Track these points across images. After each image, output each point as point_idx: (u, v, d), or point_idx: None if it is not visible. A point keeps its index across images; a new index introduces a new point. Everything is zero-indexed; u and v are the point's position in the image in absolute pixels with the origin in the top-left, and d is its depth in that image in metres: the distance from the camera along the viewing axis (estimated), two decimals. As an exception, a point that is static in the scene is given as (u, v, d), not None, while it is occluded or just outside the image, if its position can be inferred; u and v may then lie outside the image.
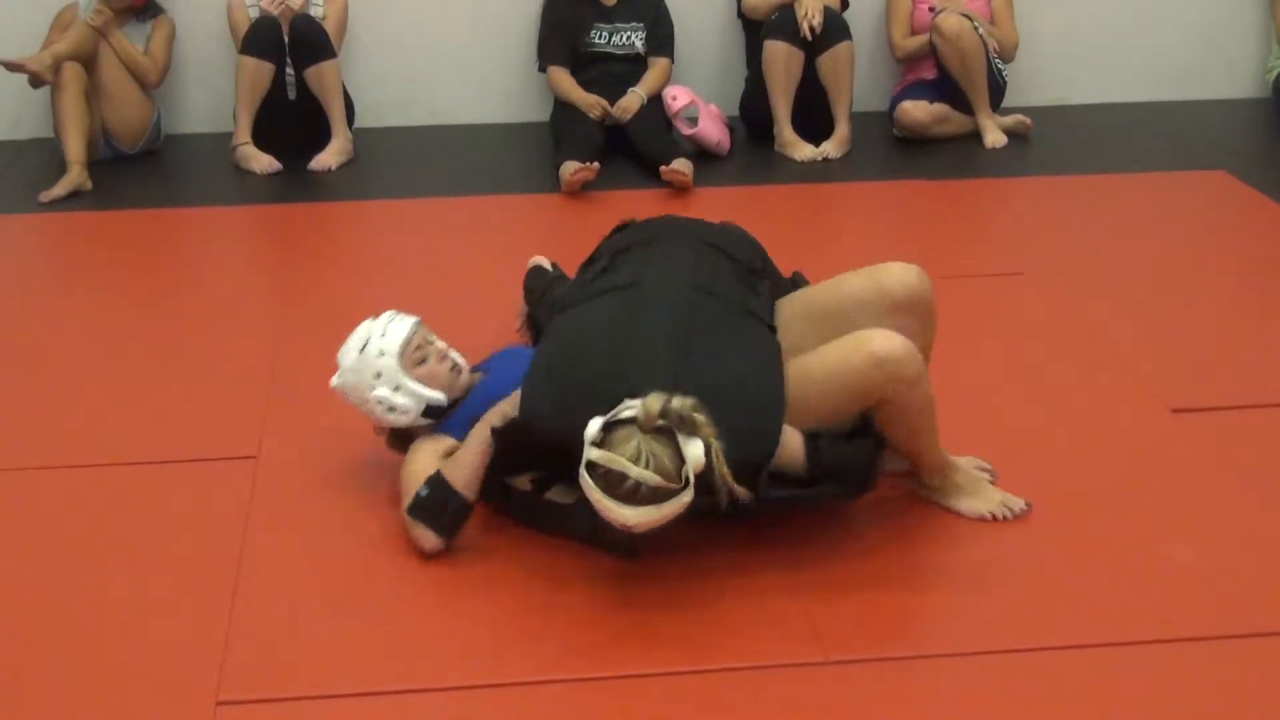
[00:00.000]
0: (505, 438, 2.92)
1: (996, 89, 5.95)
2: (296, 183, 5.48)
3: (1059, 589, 2.89)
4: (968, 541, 3.05)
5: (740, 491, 2.69)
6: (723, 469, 2.66)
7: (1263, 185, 5.29)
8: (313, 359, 3.50)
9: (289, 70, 5.65)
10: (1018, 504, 3.13)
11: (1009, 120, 5.96)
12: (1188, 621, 2.79)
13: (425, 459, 3.06)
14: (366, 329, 3.16)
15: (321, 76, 5.61)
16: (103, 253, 4.91)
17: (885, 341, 2.90)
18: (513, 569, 2.96)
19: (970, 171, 5.60)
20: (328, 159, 5.61)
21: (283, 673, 2.66)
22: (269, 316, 4.19)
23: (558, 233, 4.94)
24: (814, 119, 5.78)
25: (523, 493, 3.02)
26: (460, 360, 3.21)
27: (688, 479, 2.65)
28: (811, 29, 5.61)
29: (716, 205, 5.25)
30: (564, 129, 5.66)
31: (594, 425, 2.68)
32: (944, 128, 5.89)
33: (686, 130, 5.64)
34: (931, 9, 5.88)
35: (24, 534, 3.14)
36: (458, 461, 2.98)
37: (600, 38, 5.82)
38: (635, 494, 2.63)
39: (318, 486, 3.26)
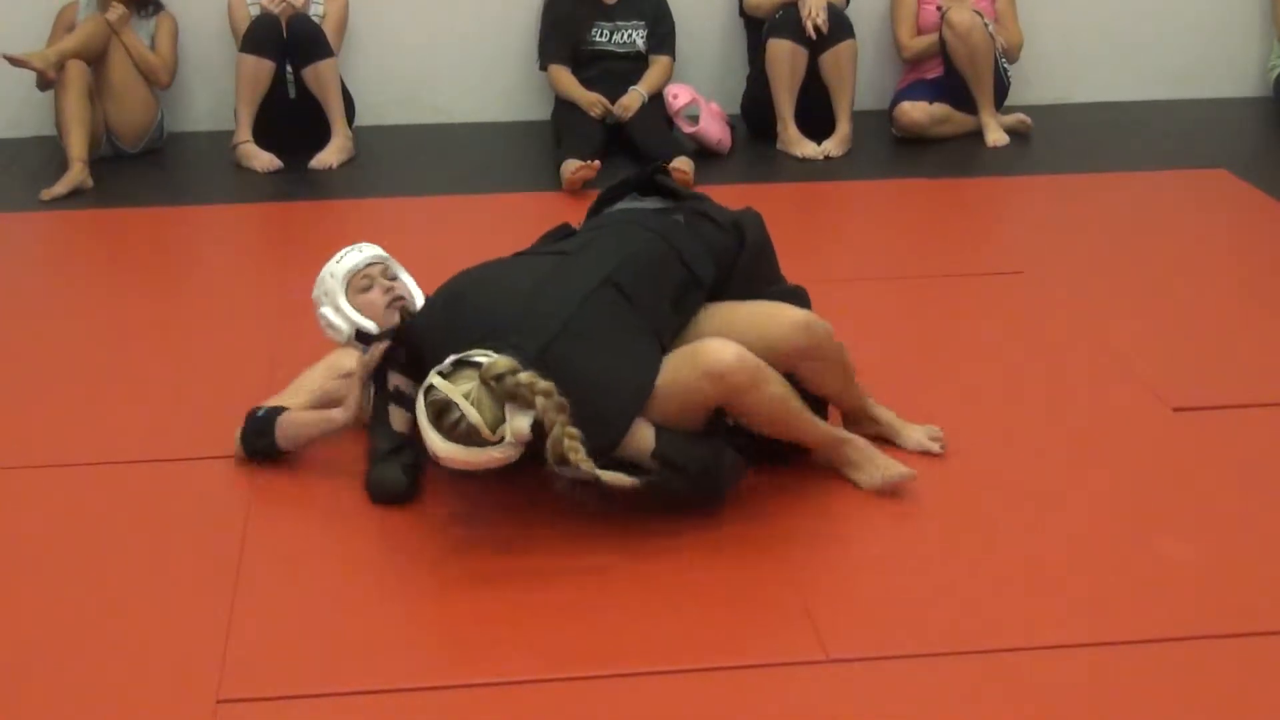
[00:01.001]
0: (391, 336, 3.20)
1: (1001, 88, 5.95)
2: (297, 181, 5.48)
3: (1059, 588, 2.89)
4: (968, 541, 3.05)
5: (585, 468, 2.81)
6: (564, 449, 2.80)
7: (1264, 184, 5.29)
8: (313, 357, 3.50)
9: (289, 68, 5.64)
10: (898, 472, 3.18)
11: (1010, 119, 5.96)
12: (1188, 620, 2.79)
13: (320, 370, 3.42)
14: (339, 253, 3.46)
15: (319, 76, 5.61)
16: (104, 250, 4.92)
17: (712, 354, 2.98)
18: (512, 568, 2.96)
19: (971, 170, 5.60)
20: (328, 157, 5.61)
21: (283, 671, 2.66)
22: (270, 315, 4.19)
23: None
24: (815, 117, 5.78)
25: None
26: (410, 297, 3.45)
27: (502, 437, 2.82)
28: (816, 28, 5.61)
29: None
30: (565, 127, 5.66)
31: (450, 359, 2.88)
32: (943, 128, 5.89)
33: (688, 128, 5.64)
34: (938, 8, 5.89)
35: (24, 532, 3.15)
36: (297, 420, 3.26)
37: (601, 36, 5.82)
38: (453, 429, 2.82)
39: (318, 485, 3.26)
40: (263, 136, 5.63)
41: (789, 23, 5.69)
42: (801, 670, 2.66)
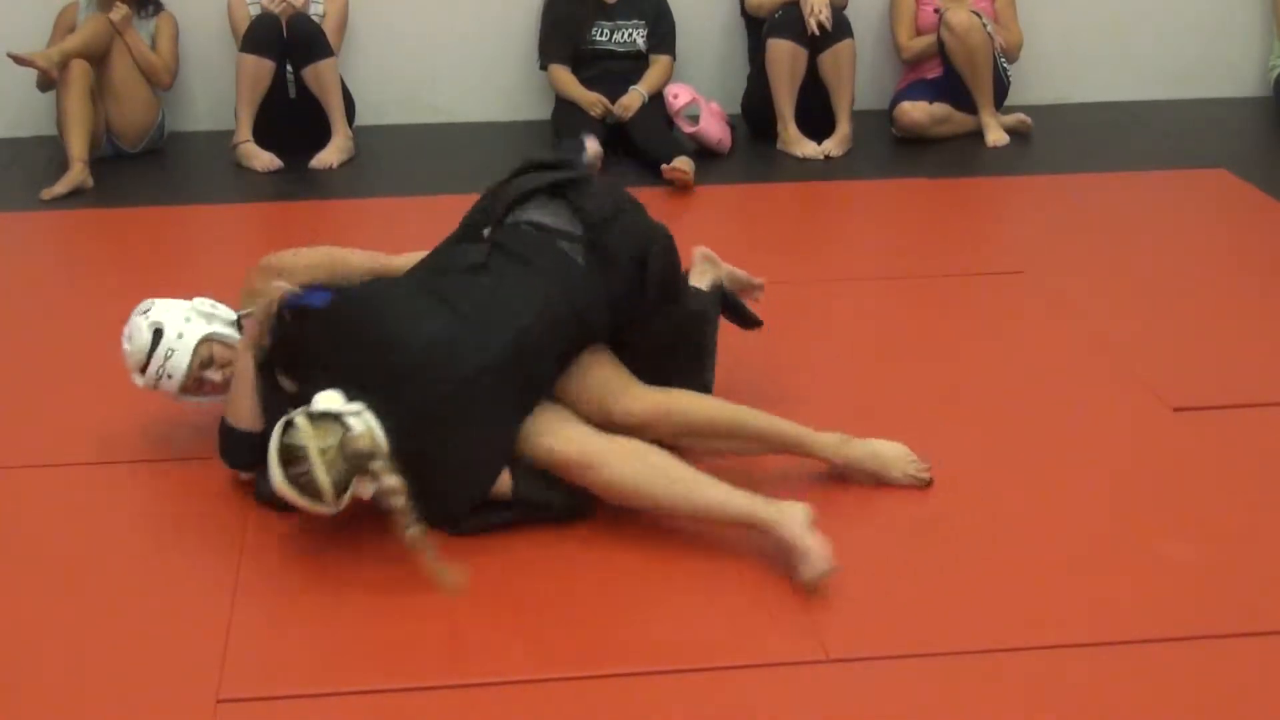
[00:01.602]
0: (276, 342, 3.15)
1: (1000, 88, 5.95)
2: (297, 180, 5.48)
3: (1059, 588, 2.89)
4: (968, 541, 3.05)
5: (414, 533, 2.82)
6: (401, 530, 2.82)
7: (1263, 183, 5.29)
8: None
9: (289, 68, 5.65)
10: (819, 572, 2.86)
11: (1010, 119, 5.96)
12: (1188, 620, 2.79)
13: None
14: (144, 351, 3.27)
15: (319, 76, 5.61)
16: (104, 250, 4.92)
17: (545, 449, 3.02)
18: (512, 568, 2.96)
19: (971, 170, 5.60)
20: (329, 157, 5.61)
21: (283, 671, 2.66)
22: (270, 315, 4.18)
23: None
24: (815, 117, 5.78)
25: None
26: (215, 377, 3.32)
27: (342, 500, 2.86)
28: (820, 24, 5.60)
29: (717, 203, 5.26)
30: (565, 127, 5.66)
31: (323, 398, 2.90)
32: (943, 128, 5.89)
33: (688, 128, 5.64)
34: (937, 9, 5.89)
35: (24, 532, 3.15)
36: (233, 403, 3.17)
37: (601, 35, 5.82)
38: (297, 478, 2.84)
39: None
40: (263, 136, 5.63)
41: (789, 22, 5.69)
42: (801, 670, 2.66)
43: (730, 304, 3.60)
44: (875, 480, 3.22)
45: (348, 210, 5.20)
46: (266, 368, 3.18)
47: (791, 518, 2.90)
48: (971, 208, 5.28)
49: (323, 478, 2.83)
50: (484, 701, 2.59)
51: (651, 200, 5.17)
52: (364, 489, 2.87)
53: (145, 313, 3.30)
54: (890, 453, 3.23)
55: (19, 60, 5.31)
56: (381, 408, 2.91)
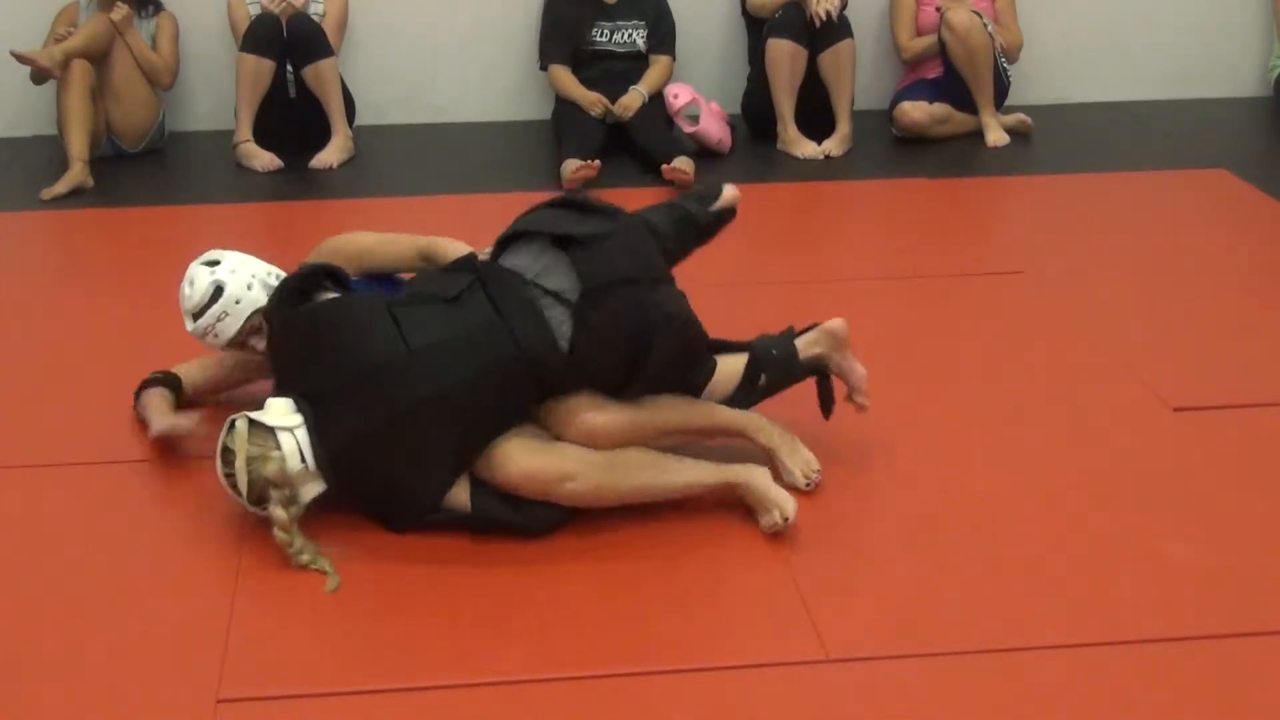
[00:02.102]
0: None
1: (1001, 88, 5.95)
2: (298, 180, 5.48)
3: (1059, 588, 2.89)
4: (968, 541, 3.05)
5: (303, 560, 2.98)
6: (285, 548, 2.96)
7: (1263, 183, 5.29)
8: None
9: (290, 68, 5.65)
10: (785, 516, 3.04)
11: (1010, 119, 5.96)
12: (1188, 620, 2.79)
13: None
14: (202, 298, 3.35)
15: (319, 75, 5.61)
16: (104, 250, 4.92)
17: (500, 471, 3.03)
18: (512, 568, 2.96)
19: (971, 170, 5.60)
20: (329, 157, 5.61)
21: (283, 670, 2.66)
22: (270, 314, 4.18)
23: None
24: (815, 117, 5.78)
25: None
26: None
27: (261, 506, 2.98)
28: (828, 12, 5.59)
29: (717, 203, 5.25)
30: (565, 127, 5.66)
31: (271, 406, 3.03)
32: (943, 128, 5.89)
33: (688, 128, 5.64)
34: (938, 9, 5.89)
35: (24, 532, 3.15)
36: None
37: (601, 35, 5.82)
38: (225, 477, 3.01)
39: (318, 485, 3.26)
40: (263, 136, 5.63)
41: (789, 23, 5.69)
42: (801, 670, 2.66)
43: (822, 387, 3.40)
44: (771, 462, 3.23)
45: (348, 210, 5.20)
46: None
47: (755, 474, 3.11)
48: (971, 208, 5.28)
49: (242, 486, 2.99)
50: (484, 702, 2.59)
51: (652, 199, 5.15)
52: (275, 510, 2.97)
53: (212, 265, 3.38)
54: (798, 455, 3.25)
55: (21, 59, 5.31)
56: (326, 418, 3.01)
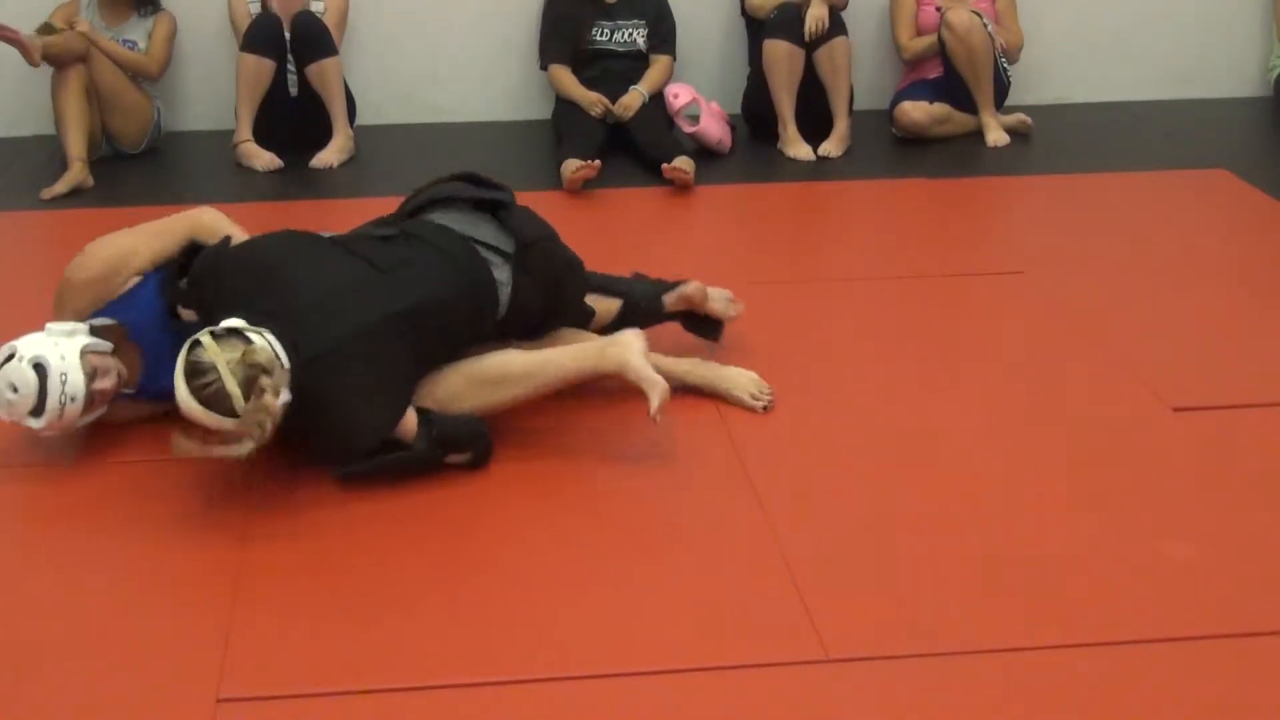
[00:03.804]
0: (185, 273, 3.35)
1: (1001, 88, 5.96)
2: (298, 180, 5.48)
3: (1059, 587, 2.89)
4: (968, 541, 3.05)
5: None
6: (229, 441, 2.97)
7: (1264, 183, 5.29)
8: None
9: (290, 67, 5.65)
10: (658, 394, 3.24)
11: (1010, 119, 5.97)
12: (1188, 621, 2.79)
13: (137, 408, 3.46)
14: (35, 394, 3.22)
15: (323, 73, 5.61)
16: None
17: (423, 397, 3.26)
18: (512, 569, 2.97)
19: (972, 170, 5.60)
20: (329, 156, 5.62)
21: (283, 670, 2.66)
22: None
23: (559, 230, 4.93)
24: (815, 117, 5.78)
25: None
26: (123, 372, 3.38)
27: (246, 416, 2.94)
28: (820, 21, 5.60)
29: (717, 203, 5.26)
30: (565, 127, 5.67)
31: (229, 321, 3.02)
32: (944, 128, 5.89)
33: (688, 128, 5.64)
34: (938, 9, 5.89)
35: (25, 532, 3.15)
36: None
37: (602, 35, 5.82)
38: (203, 389, 2.94)
39: (318, 484, 3.26)
40: (263, 136, 5.63)
41: (785, 23, 5.69)
42: (802, 670, 2.66)
43: (693, 326, 3.82)
44: (720, 397, 3.55)
45: (348, 210, 5.18)
46: (169, 300, 3.36)
47: (628, 353, 3.25)
48: (972, 208, 5.28)
49: (231, 385, 2.93)
50: (483, 702, 2.59)
51: (652, 200, 5.22)
52: (268, 403, 2.94)
53: (11, 359, 3.25)
54: (739, 376, 3.55)
55: (4, 31, 5.26)
56: (288, 334, 3.05)
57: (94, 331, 3.37)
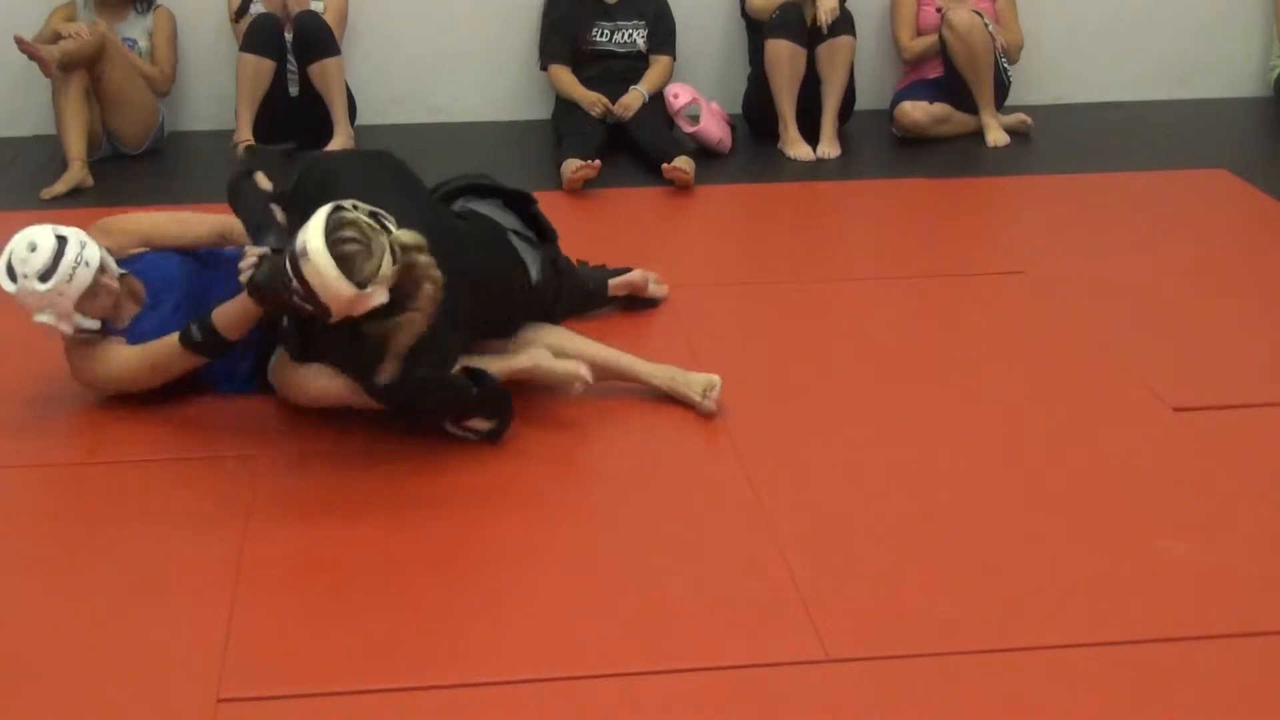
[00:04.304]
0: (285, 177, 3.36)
1: (1001, 88, 5.95)
2: (298, 180, 5.47)
3: (1059, 588, 2.89)
4: (967, 540, 3.05)
5: (388, 368, 3.06)
6: (401, 332, 3.04)
7: (1264, 184, 5.29)
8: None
9: (291, 67, 5.65)
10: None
11: (1011, 119, 5.96)
12: (1189, 621, 2.79)
13: (120, 355, 3.48)
14: (51, 255, 3.31)
15: (325, 73, 5.61)
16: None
17: (319, 385, 3.37)
18: (512, 569, 2.97)
19: (972, 170, 5.60)
20: (329, 156, 5.61)
21: (283, 670, 2.66)
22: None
23: (559, 230, 4.93)
24: (816, 117, 5.78)
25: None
26: (122, 302, 3.50)
27: (367, 285, 2.95)
28: (830, 10, 5.60)
29: (717, 203, 5.26)
30: (565, 127, 5.66)
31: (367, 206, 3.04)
32: (944, 128, 5.89)
33: (688, 128, 5.64)
34: (938, 9, 5.89)
35: (25, 531, 3.15)
36: (224, 313, 3.33)
37: (601, 35, 5.82)
38: (340, 243, 2.93)
39: (318, 483, 3.26)
40: (264, 135, 5.62)
41: (787, 23, 5.68)
42: (801, 670, 2.66)
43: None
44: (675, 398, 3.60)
45: (348, 210, 5.20)
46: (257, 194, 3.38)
47: (539, 358, 3.45)
48: (972, 208, 5.28)
49: (365, 256, 2.94)
50: (483, 701, 2.59)
51: (651, 199, 5.22)
52: (379, 295, 2.96)
53: (34, 232, 3.35)
54: (695, 380, 3.58)
55: (23, 45, 5.28)
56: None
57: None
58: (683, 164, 5.27)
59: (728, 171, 5.55)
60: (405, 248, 2.99)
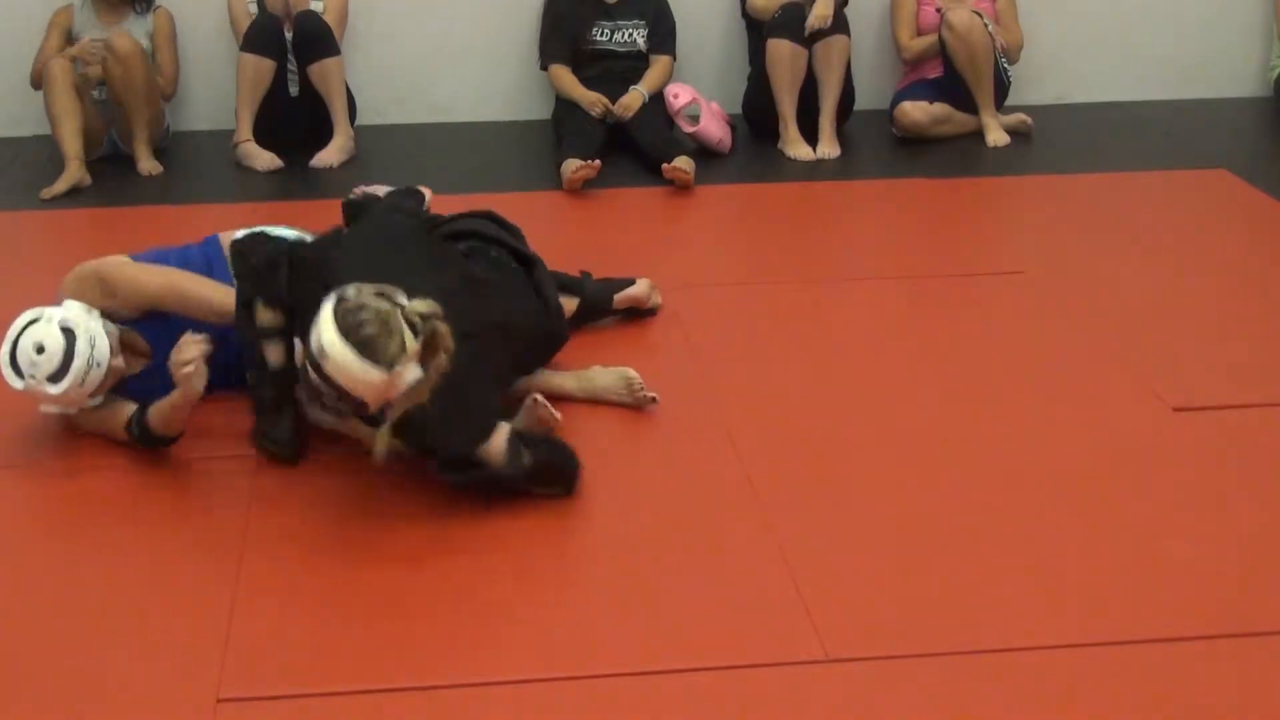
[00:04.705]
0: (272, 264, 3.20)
1: (1001, 88, 5.95)
2: (298, 180, 5.48)
3: (1058, 588, 2.89)
4: (967, 540, 3.05)
5: (381, 445, 2.92)
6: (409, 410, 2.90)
7: (1264, 184, 5.29)
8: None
9: (291, 67, 5.65)
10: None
11: (1011, 119, 5.96)
12: (1188, 620, 2.79)
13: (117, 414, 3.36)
14: (61, 357, 3.19)
15: (325, 73, 5.61)
16: (104, 250, 4.83)
17: None
18: (510, 567, 2.97)
19: (972, 170, 5.60)
20: (329, 156, 5.61)
21: (283, 670, 2.66)
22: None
23: (559, 231, 4.94)
24: (816, 117, 5.78)
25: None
26: (121, 366, 3.34)
27: (399, 367, 2.81)
28: (820, 19, 5.60)
29: (717, 203, 5.26)
30: (565, 127, 5.66)
31: (369, 285, 2.88)
32: (943, 128, 5.89)
33: (688, 128, 5.64)
34: (938, 9, 5.89)
35: (25, 533, 3.15)
36: (164, 409, 3.24)
37: (602, 35, 5.82)
38: (356, 330, 2.78)
39: (317, 485, 3.26)
40: (264, 135, 5.63)
41: (788, 23, 5.68)
42: (801, 670, 2.66)
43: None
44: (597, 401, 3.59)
45: (348, 210, 5.20)
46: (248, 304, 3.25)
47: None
48: (972, 208, 5.28)
49: (384, 336, 2.79)
50: (483, 701, 2.59)
51: (652, 200, 5.22)
52: (410, 371, 2.83)
53: (38, 321, 3.23)
54: (612, 384, 3.58)
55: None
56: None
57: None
58: (683, 164, 5.27)
59: (727, 171, 5.55)
60: (424, 317, 2.85)
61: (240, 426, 3.49)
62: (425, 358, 2.85)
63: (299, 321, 3.11)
